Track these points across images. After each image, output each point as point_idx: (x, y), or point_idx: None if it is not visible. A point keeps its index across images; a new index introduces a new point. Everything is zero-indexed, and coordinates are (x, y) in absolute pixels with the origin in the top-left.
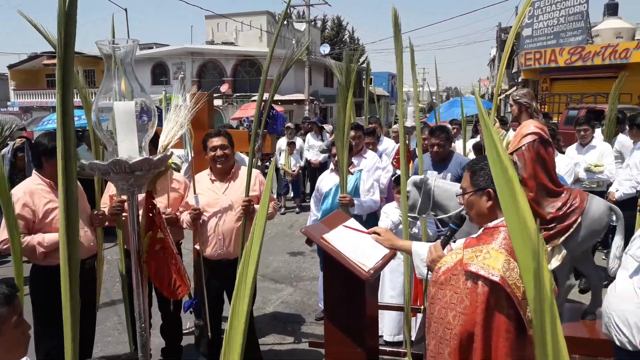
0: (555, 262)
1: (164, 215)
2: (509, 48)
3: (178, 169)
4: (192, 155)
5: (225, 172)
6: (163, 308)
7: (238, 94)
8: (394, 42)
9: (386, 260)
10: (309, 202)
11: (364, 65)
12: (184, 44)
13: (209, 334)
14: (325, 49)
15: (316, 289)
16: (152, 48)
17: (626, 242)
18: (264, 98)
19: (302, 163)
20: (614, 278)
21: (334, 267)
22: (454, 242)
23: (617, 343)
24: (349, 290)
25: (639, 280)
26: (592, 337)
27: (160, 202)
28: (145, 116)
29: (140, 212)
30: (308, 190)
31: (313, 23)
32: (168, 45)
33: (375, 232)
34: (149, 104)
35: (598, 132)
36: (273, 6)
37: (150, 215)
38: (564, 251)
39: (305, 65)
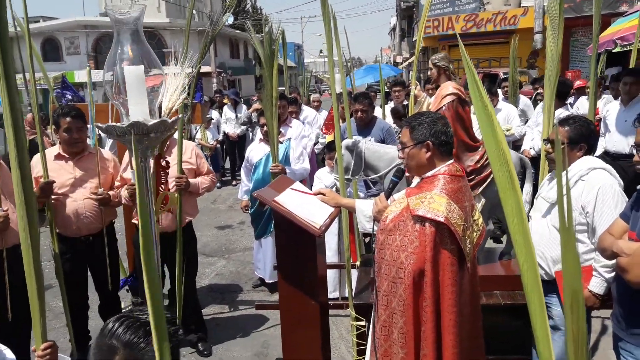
0: (477, 213)
1: (96, 196)
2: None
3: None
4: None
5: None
6: (100, 288)
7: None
8: (321, 9)
9: (333, 218)
10: (229, 176)
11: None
12: (75, 17)
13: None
14: (229, 19)
15: (249, 259)
16: (39, 22)
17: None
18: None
19: (220, 137)
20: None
21: (286, 227)
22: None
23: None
24: (301, 248)
25: (551, 219)
26: (509, 274)
27: (92, 182)
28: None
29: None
30: (227, 164)
31: None
32: (57, 18)
33: (320, 193)
34: (158, 65)
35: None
36: None
37: (162, 174)
38: (483, 200)
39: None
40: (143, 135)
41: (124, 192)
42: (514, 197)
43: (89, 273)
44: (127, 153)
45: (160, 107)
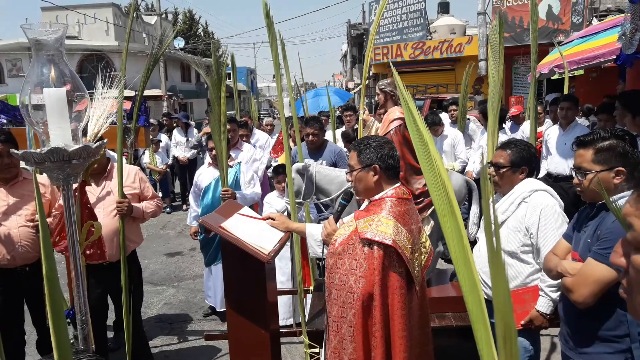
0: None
1: (33, 223)
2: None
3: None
4: None
5: (99, 172)
6: (37, 322)
7: (88, 91)
8: (267, 34)
9: (282, 243)
10: (179, 201)
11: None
12: (18, 38)
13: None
14: (180, 42)
15: (200, 287)
16: None
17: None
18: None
19: (170, 161)
20: (474, 242)
21: (234, 254)
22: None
23: (485, 296)
24: (249, 275)
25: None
26: (461, 296)
27: (27, 209)
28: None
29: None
30: (178, 189)
31: (164, 16)
32: None
33: (270, 218)
34: (81, 88)
35: (445, 119)
36: None
37: (88, 205)
38: (432, 222)
39: (160, 59)
40: (64, 162)
41: None
42: (454, 223)
43: (25, 306)
44: None
45: (85, 132)
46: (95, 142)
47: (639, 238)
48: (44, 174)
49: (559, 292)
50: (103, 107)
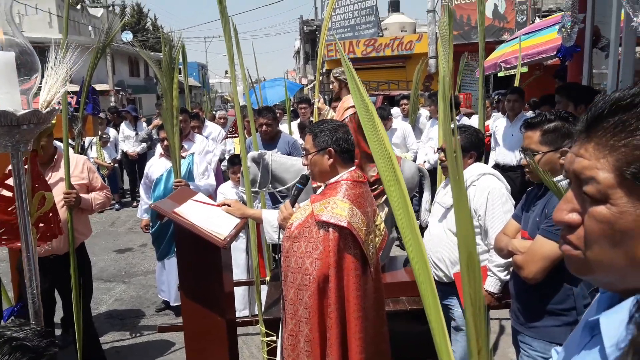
0: (379, 219)
1: None
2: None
3: None
4: None
5: (45, 162)
6: None
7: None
8: (220, 17)
9: (238, 229)
10: (129, 197)
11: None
12: None
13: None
14: (128, 36)
15: (152, 283)
16: None
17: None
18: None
19: (118, 156)
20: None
21: (188, 240)
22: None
23: (436, 278)
24: (204, 262)
25: (446, 223)
26: (414, 280)
27: None
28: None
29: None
30: (127, 185)
31: (111, 9)
32: None
33: (225, 204)
34: (30, 53)
35: (397, 114)
36: None
37: (40, 176)
38: (386, 208)
39: (106, 51)
40: (13, 127)
41: None
42: (399, 191)
43: None
44: (8, 170)
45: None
46: (49, 108)
47: (604, 190)
48: None
49: (506, 272)
50: (55, 77)
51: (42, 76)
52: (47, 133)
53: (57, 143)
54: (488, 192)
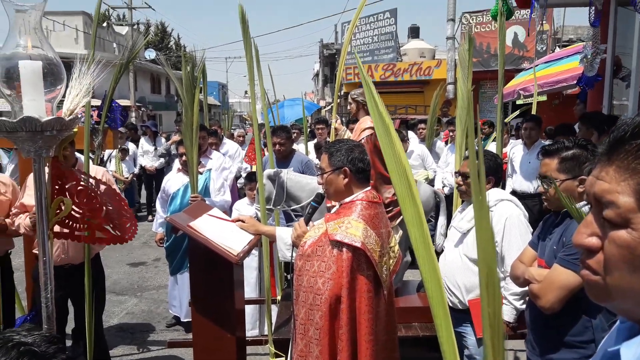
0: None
1: None
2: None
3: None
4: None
5: None
6: None
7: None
8: (243, 40)
9: (252, 245)
10: (145, 211)
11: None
12: None
13: None
14: (151, 53)
15: (164, 297)
16: None
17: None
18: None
19: (136, 170)
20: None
21: (202, 255)
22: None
23: (450, 304)
24: (217, 277)
25: (462, 248)
26: (427, 306)
27: None
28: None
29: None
30: (144, 199)
31: (135, 27)
32: None
33: (240, 220)
34: (57, 64)
35: (414, 137)
36: (90, 6)
37: (59, 181)
38: (401, 231)
39: (129, 70)
40: (36, 133)
41: (25, 221)
42: (414, 208)
43: None
44: (29, 178)
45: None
46: (72, 116)
47: (625, 215)
48: (6, 174)
49: (521, 301)
50: (79, 88)
51: (67, 87)
52: (68, 141)
53: (77, 155)
54: (505, 219)
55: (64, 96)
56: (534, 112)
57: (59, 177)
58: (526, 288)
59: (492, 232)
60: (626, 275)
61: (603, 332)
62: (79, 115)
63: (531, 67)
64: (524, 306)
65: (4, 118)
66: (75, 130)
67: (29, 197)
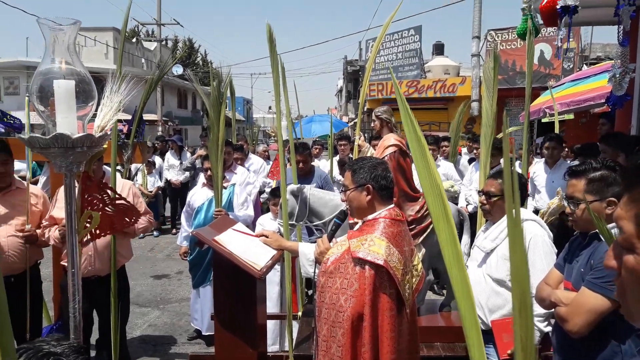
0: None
1: (24, 233)
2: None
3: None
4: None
5: None
6: (17, 336)
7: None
8: (270, 57)
9: (275, 261)
10: (169, 224)
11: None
12: (16, 57)
13: None
14: (178, 69)
15: (186, 310)
16: None
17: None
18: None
19: (162, 183)
20: None
21: (225, 269)
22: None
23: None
24: (240, 291)
25: (486, 268)
26: (449, 326)
27: (18, 218)
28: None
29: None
30: (168, 212)
31: (164, 42)
32: None
33: (263, 235)
34: (89, 82)
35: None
36: (121, 23)
37: (86, 196)
38: (423, 250)
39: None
40: (68, 149)
41: (55, 233)
42: (448, 228)
43: None
44: (59, 191)
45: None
46: (101, 133)
47: (629, 240)
48: (38, 186)
49: (545, 323)
50: (110, 106)
51: (98, 104)
52: (98, 157)
53: (106, 168)
54: (530, 239)
55: (95, 111)
56: (556, 131)
57: (88, 192)
58: (550, 310)
59: (526, 255)
60: (637, 297)
61: (632, 357)
62: (109, 132)
63: (556, 86)
64: (547, 328)
65: (38, 135)
66: (104, 146)
67: (58, 210)
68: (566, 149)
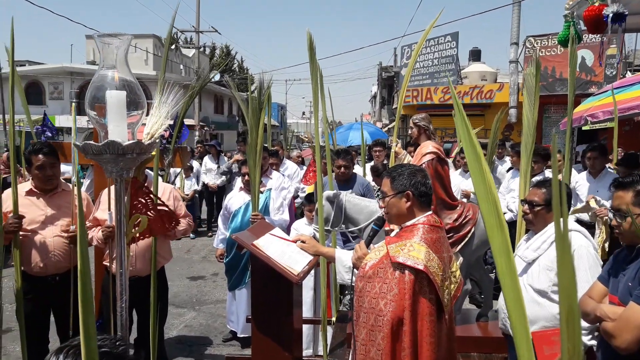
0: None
1: (69, 234)
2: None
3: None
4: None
5: None
6: (61, 333)
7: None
8: (309, 64)
9: (311, 266)
10: (205, 227)
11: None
12: (62, 63)
13: None
14: (216, 75)
15: (221, 312)
16: (24, 65)
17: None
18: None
19: (199, 187)
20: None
21: (263, 273)
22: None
23: (511, 334)
24: (277, 296)
25: (527, 278)
26: (487, 336)
27: (63, 219)
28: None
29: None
30: (204, 215)
31: (202, 49)
32: (43, 63)
33: (300, 240)
34: (138, 92)
35: None
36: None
37: (136, 200)
38: (461, 258)
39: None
40: (119, 156)
41: (98, 234)
42: (502, 237)
43: (52, 317)
44: (103, 193)
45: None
46: (150, 140)
47: None
48: (83, 188)
49: (589, 336)
50: (158, 115)
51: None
52: (147, 163)
53: (148, 171)
54: (573, 250)
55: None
56: (616, 137)
57: (138, 196)
58: (594, 324)
59: (574, 267)
60: None
61: None
62: (157, 140)
63: (600, 92)
64: (592, 342)
65: (91, 142)
66: (153, 153)
67: (101, 212)
68: (610, 157)
